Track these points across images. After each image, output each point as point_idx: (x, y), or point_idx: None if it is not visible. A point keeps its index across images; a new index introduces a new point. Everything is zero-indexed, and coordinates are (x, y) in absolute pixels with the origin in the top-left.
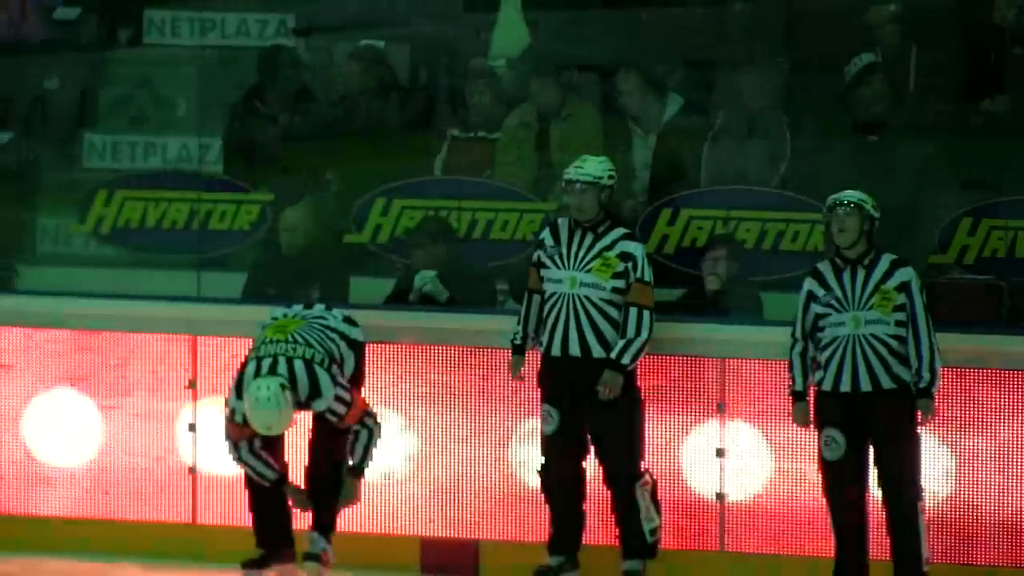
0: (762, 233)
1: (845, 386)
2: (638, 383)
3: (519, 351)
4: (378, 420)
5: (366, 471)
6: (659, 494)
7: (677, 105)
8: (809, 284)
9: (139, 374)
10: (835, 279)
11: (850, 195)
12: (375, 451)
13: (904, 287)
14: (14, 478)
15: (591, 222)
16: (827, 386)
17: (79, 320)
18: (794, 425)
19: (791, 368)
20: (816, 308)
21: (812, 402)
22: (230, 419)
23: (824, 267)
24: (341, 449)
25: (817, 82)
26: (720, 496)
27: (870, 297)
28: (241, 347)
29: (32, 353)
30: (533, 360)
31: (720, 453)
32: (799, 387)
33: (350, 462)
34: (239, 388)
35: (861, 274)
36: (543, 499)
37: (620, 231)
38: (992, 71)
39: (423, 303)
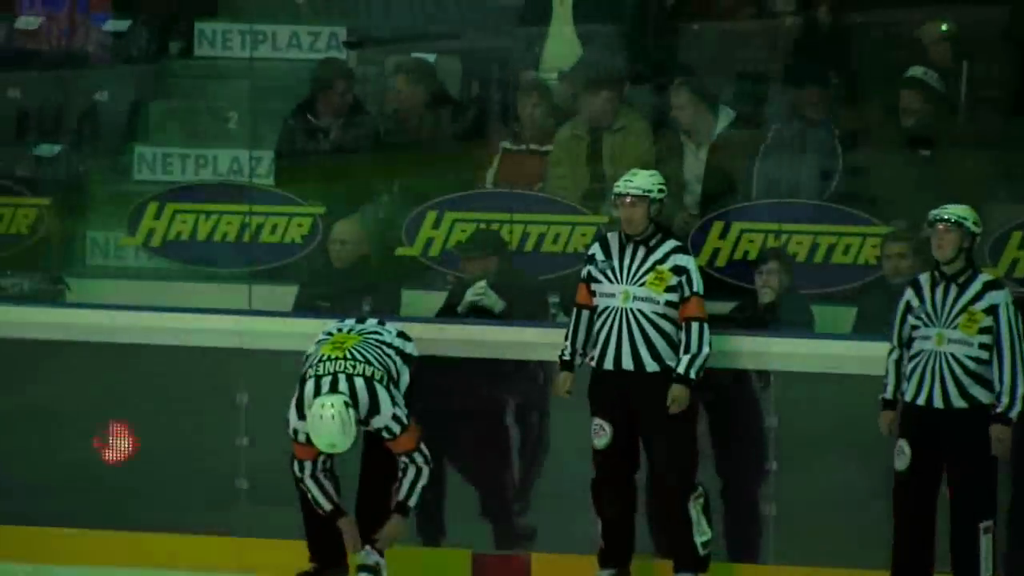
0: (813, 246)
1: (921, 400)
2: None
3: (568, 367)
4: (429, 460)
5: (411, 509)
6: (710, 507)
7: (728, 118)
8: (908, 295)
9: (188, 387)
10: (929, 293)
11: (952, 211)
12: (418, 493)
13: (992, 310)
14: (58, 490)
15: (641, 235)
16: (908, 397)
17: (128, 332)
18: (846, 438)
19: (885, 375)
20: (911, 319)
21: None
22: (293, 439)
23: (924, 279)
24: (394, 472)
25: (868, 95)
26: (772, 509)
27: (957, 316)
28: (292, 360)
29: (81, 365)
30: (582, 374)
31: (772, 466)
32: (889, 395)
33: (398, 497)
34: (300, 408)
35: (953, 291)
36: (594, 512)
37: (672, 244)
38: None
39: (473, 316)
